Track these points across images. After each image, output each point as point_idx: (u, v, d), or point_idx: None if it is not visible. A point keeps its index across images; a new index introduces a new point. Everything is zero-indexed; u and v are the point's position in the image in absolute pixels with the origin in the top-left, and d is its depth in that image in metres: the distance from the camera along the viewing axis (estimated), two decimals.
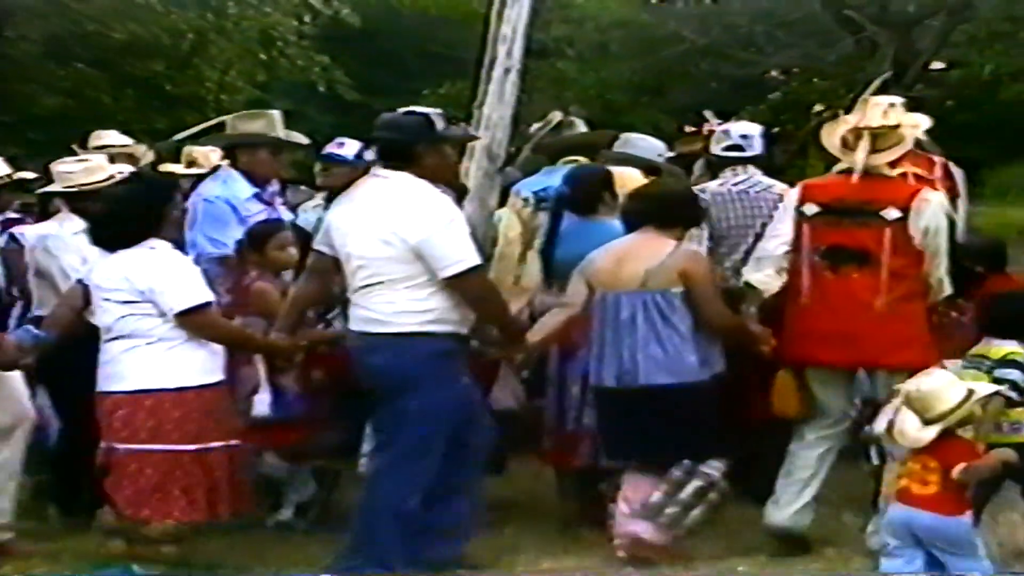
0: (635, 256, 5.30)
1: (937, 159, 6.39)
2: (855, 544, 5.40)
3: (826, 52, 20.30)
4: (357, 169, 6.18)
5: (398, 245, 4.88)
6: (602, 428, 5.50)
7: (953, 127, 20.58)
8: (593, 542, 5.63)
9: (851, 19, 19.74)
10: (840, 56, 20.19)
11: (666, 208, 5.51)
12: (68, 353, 5.39)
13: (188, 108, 19.61)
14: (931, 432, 4.77)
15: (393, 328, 4.90)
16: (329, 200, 6.25)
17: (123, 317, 4.90)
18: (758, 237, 5.80)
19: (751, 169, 6.34)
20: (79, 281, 5.34)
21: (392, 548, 4.98)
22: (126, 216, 4.98)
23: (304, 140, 6.85)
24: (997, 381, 5.16)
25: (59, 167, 5.94)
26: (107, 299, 4.97)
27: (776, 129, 13.08)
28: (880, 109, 5.77)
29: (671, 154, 7.62)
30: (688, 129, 9.57)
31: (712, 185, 6.41)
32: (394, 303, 4.88)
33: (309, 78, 20.81)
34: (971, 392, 4.84)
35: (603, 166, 6.56)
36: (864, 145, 5.42)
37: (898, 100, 5.95)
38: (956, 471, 4.72)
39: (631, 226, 5.52)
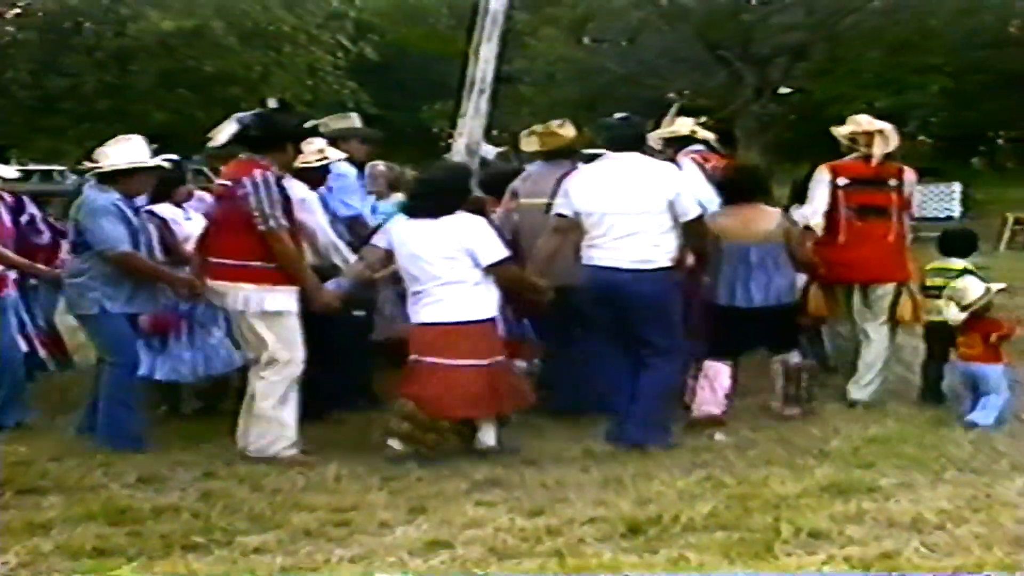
0: (756, 220, 6.02)
1: (718, 156, 6.96)
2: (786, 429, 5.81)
3: (707, 80, 23.54)
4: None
5: (660, 200, 5.44)
6: (723, 333, 6.06)
7: (795, 136, 24.76)
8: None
9: (724, 57, 23.03)
10: (717, 83, 23.46)
11: (761, 184, 6.36)
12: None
13: None
14: (964, 315, 5.75)
15: (657, 264, 5.46)
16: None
17: (449, 268, 5.21)
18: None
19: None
20: (375, 246, 5.60)
21: (668, 419, 5.66)
22: (450, 191, 5.40)
23: (379, 134, 7.20)
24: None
25: None
26: (438, 256, 5.23)
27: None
28: (689, 123, 7.12)
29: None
30: None
31: None
32: (659, 246, 5.45)
33: (342, 98, 23.53)
34: (989, 288, 5.76)
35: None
36: (879, 141, 6.22)
37: (692, 120, 7.20)
38: (992, 337, 5.72)
39: (735, 195, 6.13)
